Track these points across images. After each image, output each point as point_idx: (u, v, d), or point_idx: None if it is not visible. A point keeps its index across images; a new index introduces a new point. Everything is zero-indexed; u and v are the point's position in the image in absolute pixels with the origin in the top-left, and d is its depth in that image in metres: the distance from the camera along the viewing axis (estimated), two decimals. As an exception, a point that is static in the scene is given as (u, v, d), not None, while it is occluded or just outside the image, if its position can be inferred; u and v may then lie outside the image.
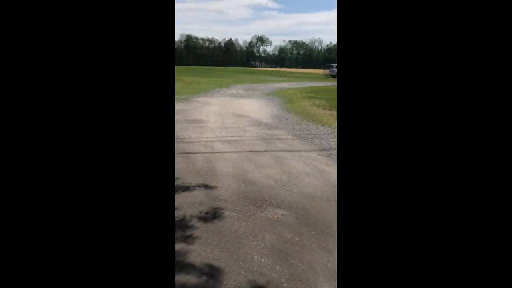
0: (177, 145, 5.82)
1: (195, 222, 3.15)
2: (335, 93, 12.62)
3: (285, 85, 22.71)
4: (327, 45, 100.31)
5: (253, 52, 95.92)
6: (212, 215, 3.31)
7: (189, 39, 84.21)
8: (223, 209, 3.45)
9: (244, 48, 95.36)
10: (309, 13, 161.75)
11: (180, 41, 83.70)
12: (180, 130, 7.25)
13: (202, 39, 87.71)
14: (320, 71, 48.75)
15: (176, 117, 8.26)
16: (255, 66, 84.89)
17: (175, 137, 6.22)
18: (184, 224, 3.10)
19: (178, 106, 10.62)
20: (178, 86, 17.80)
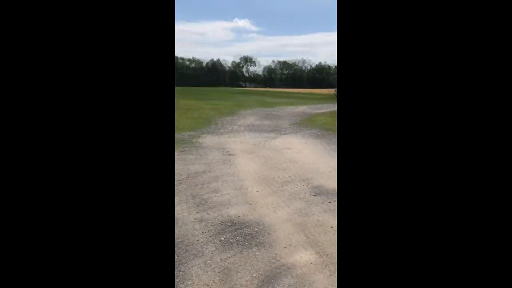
0: None
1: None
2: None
3: (303, 108, 18.12)
4: (316, 65, 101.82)
5: (239, 72, 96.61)
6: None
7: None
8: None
9: (230, 69, 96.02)
10: (289, 35, 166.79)
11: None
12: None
13: (187, 59, 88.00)
14: (325, 91, 49.34)
15: (177, 197, 4.02)
16: (244, 87, 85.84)
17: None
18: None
19: (179, 163, 5.57)
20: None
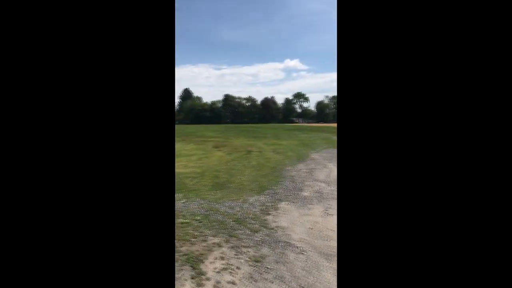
0: None
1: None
2: None
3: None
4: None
5: (291, 108, 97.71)
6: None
7: (227, 97, 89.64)
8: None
9: (283, 105, 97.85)
10: (334, 72, 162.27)
11: (219, 101, 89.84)
12: None
13: (240, 98, 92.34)
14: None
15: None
16: (296, 122, 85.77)
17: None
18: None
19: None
20: (228, 156, 11.30)
